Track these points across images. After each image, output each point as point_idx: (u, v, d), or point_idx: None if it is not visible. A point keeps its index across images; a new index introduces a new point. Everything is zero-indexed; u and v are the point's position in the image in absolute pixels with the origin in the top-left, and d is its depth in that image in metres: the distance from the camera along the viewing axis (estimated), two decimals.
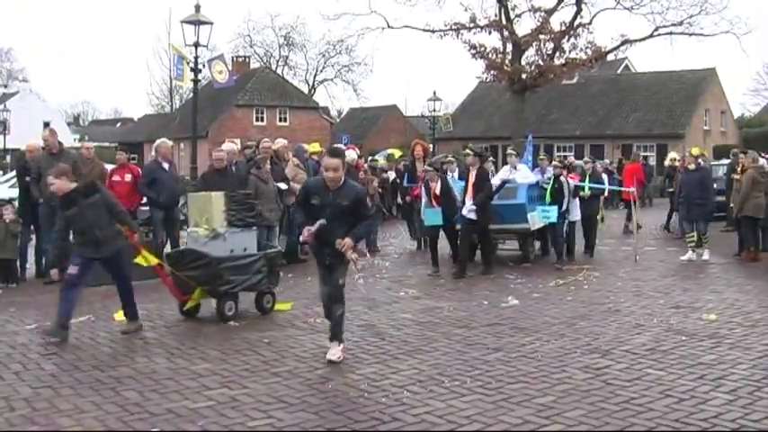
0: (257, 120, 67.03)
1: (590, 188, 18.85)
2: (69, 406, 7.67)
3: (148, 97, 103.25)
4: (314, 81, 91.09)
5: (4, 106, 64.79)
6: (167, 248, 16.11)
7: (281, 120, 68.09)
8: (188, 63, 23.31)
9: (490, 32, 44.57)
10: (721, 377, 8.45)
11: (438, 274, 15.87)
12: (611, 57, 48.35)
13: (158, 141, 16.63)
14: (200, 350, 9.84)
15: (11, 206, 15.09)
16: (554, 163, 17.84)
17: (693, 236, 18.22)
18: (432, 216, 16.49)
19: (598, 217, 23.87)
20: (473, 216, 15.93)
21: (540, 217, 17.28)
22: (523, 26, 51.74)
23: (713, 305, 12.48)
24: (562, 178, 17.16)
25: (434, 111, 51.52)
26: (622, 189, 21.23)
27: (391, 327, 11.13)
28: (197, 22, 22.30)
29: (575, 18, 44.00)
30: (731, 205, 19.73)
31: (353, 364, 9.11)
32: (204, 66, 23.91)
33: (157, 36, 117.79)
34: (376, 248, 19.22)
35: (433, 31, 45.48)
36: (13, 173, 25.67)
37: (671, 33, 44.39)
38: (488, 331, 10.76)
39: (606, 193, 22.38)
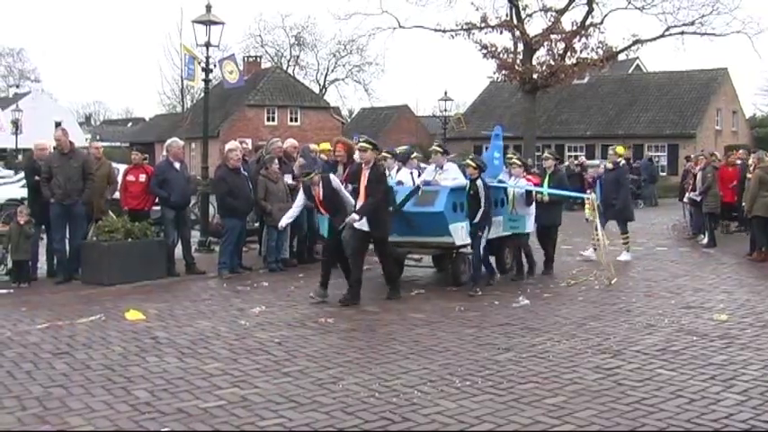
0: (268, 120, 67.03)
1: (549, 193, 16.16)
2: (81, 405, 7.69)
3: (160, 97, 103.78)
4: (325, 81, 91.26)
5: (16, 106, 64.93)
6: (179, 248, 16.15)
7: (292, 120, 68.10)
8: (199, 63, 23.30)
9: (501, 32, 44.57)
10: (732, 378, 8.43)
11: (323, 299, 12.97)
12: (622, 57, 48.33)
13: (169, 141, 16.62)
14: (211, 350, 9.85)
15: (25, 207, 15.13)
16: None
17: (628, 236, 18.51)
18: (324, 226, 14.07)
19: (587, 216, 23.83)
20: (364, 227, 13.02)
21: (507, 227, 15.36)
22: (535, 26, 51.72)
23: (724, 305, 12.45)
24: (479, 182, 13.84)
25: (446, 111, 51.48)
26: (581, 196, 17.56)
27: (402, 327, 11.13)
28: (208, 22, 22.28)
29: (586, 18, 43.94)
30: (743, 205, 19.59)
31: (364, 363, 9.11)
32: (215, 66, 23.88)
33: (169, 36, 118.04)
34: None
35: (444, 31, 45.51)
36: None
37: (682, 33, 44.30)
38: (499, 331, 10.76)
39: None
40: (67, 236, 15.09)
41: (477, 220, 13.81)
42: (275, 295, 13.27)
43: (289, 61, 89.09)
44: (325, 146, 19.07)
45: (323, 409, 7.47)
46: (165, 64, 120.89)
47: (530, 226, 15.79)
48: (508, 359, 9.26)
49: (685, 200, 22.90)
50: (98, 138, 62.32)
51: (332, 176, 13.80)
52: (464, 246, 14.51)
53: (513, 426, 7.00)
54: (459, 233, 14.24)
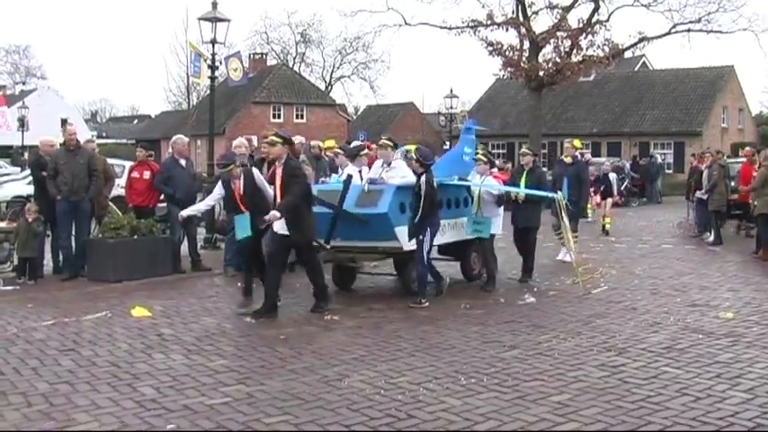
0: (274, 117, 67.11)
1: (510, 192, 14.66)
2: (86, 402, 7.71)
3: (165, 94, 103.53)
4: (331, 78, 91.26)
5: (23, 103, 65.06)
6: (185, 245, 16.16)
7: (298, 117, 68.20)
8: (205, 60, 23.32)
9: (507, 30, 44.58)
10: (738, 376, 8.42)
11: (248, 311, 11.92)
12: (628, 54, 48.36)
13: (174, 138, 16.64)
14: (217, 347, 9.87)
15: (33, 204, 15.16)
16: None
17: (576, 234, 17.56)
18: (240, 225, 12.41)
19: (590, 214, 23.77)
20: (283, 230, 11.78)
21: (471, 230, 14.13)
22: (541, 23, 51.63)
23: (730, 303, 12.44)
24: (423, 179, 12.54)
25: (451, 108, 51.47)
26: (548, 195, 14.94)
27: (408, 324, 11.13)
28: (214, 19, 22.28)
29: (592, 15, 43.93)
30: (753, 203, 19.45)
31: (370, 361, 9.12)
32: (221, 63, 23.91)
33: (174, 33, 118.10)
34: None
35: (450, 29, 45.52)
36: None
37: (689, 31, 44.28)
38: (505, 329, 10.76)
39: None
40: (73, 233, 15.11)
41: (416, 221, 12.55)
42: (280, 292, 13.25)
43: (294, 58, 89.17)
44: (330, 143, 19.06)
45: (328, 407, 7.48)
46: (171, 61, 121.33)
47: (496, 229, 14.35)
48: (514, 357, 9.27)
49: (693, 198, 22.84)
50: (104, 135, 62.32)
51: (255, 171, 12.69)
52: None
53: (518, 423, 7.01)
54: (405, 236, 12.84)
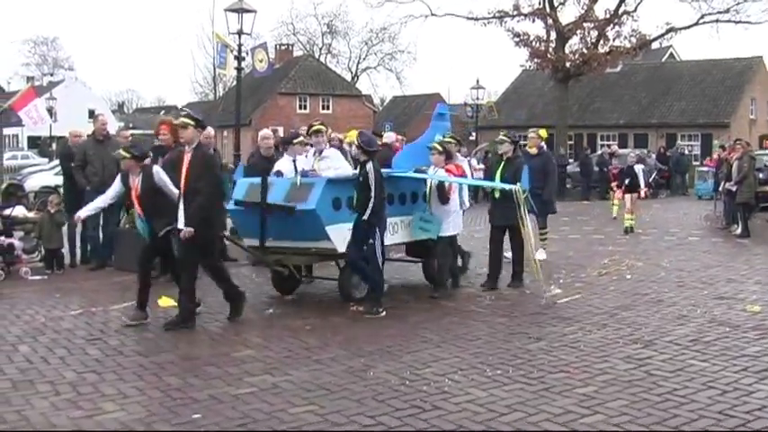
0: (300, 108, 67.22)
1: (464, 183, 13.55)
2: (113, 391, 7.76)
3: (192, 85, 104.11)
4: (357, 69, 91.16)
5: (50, 94, 65.38)
6: None
7: (323, 108, 68.26)
8: (231, 51, 23.41)
9: (534, 20, 44.49)
10: (765, 369, 8.36)
11: (142, 321, 10.66)
12: (655, 45, 48.11)
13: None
14: (243, 337, 9.91)
15: (56, 196, 15.25)
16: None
17: (545, 232, 16.87)
18: (140, 227, 11.08)
19: (615, 211, 22.97)
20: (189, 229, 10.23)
21: (416, 228, 12.75)
22: (567, 14, 51.26)
23: (757, 297, 12.36)
24: (369, 167, 11.17)
25: (477, 99, 51.36)
26: (504, 186, 12.84)
27: (434, 315, 11.13)
28: (240, 11, 22.37)
29: (619, 6, 43.73)
30: None
31: (396, 352, 9.13)
32: (247, 54, 23.99)
33: (201, 24, 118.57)
34: None
35: (476, 19, 45.47)
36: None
37: (717, 21, 43.99)
38: (531, 321, 10.75)
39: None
40: (101, 223, 15.19)
41: (366, 215, 11.12)
42: (305, 283, 13.25)
43: (321, 49, 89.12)
44: (354, 134, 18.99)
45: (354, 397, 7.50)
46: (198, 52, 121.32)
47: (453, 228, 12.92)
48: (539, 348, 9.26)
49: (721, 189, 22.64)
50: (131, 125, 62.54)
51: (156, 170, 10.94)
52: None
53: (543, 415, 7.00)
54: (343, 237, 11.50)
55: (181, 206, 10.33)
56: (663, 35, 45.16)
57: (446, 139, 13.42)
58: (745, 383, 7.87)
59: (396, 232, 12.56)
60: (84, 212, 11.96)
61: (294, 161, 13.01)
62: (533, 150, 16.52)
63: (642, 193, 22.28)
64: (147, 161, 11.04)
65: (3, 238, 14.52)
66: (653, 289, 13.02)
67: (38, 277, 14.14)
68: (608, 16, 43.71)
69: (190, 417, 7.01)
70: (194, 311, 10.63)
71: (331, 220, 11.46)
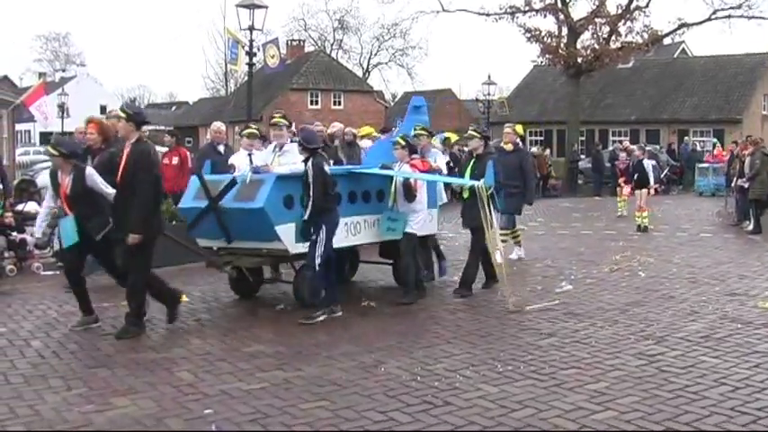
0: (311, 103, 67.18)
1: (423, 180, 12.17)
2: (125, 386, 7.78)
3: (203, 81, 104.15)
4: (368, 65, 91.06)
5: (62, 90, 65.59)
6: None
7: (335, 103, 68.22)
8: (243, 47, 23.44)
9: (545, 16, 44.32)
10: None
11: (90, 325, 10.26)
12: (667, 40, 47.91)
13: (213, 125, 16.79)
14: (254, 332, 9.92)
15: None
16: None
17: (509, 231, 15.81)
18: (65, 229, 10.19)
19: (621, 207, 22.73)
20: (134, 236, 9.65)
21: (384, 228, 12.09)
22: (579, 9, 51.38)
23: None
24: (309, 164, 10.58)
25: (489, 94, 51.31)
26: (468, 182, 12.12)
27: (445, 311, 11.14)
28: (252, 6, 22.39)
29: (631, 1, 43.57)
30: None
31: (407, 347, 9.14)
32: (259, 49, 24.01)
33: (213, 20, 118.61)
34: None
35: (487, 15, 45.42)
36: None
37: (729, 17, 43.79)
38: (542, 316, 10.74)
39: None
40: None
41: (305, 216, 10.56)
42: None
43: (332, 45, 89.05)
44: (368, 130, 18.98)
45: (365, 393, 7.51)
46: (209, 48, 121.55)
47: (425, 228, 12.30)
48: (551, 344, 9.25)
49: (733, 186, 22.57)
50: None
51: (89, 171, 10.13)
52: (304, 253, 10.96)
53: (554, 411, 7.00)
54: (288, 236, 10.87)
55: (118, 205, 9.83)
56: (675, 31, 44.97)
57: (417, 132, 12.83)
58: (756, 380, 7.86)
59: (358, 232, 11.98)
60: (38, 231, 11.69)
61: (250, 155, 12.50)
62: (509, 147, 15.74)
63: (651, 190, 21.98)
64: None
65: (15, 233, 14.58)
66: (665, 285, 13.00)
67: (50, 272, 14.18)
68: (620, 12, 43.58)
69: (201, 412, 7.03)
70: (142, 316, 10.03)
71: (281, 220, 10.77)
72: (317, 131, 16.84)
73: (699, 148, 44.25)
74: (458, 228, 15.43)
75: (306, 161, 10.62)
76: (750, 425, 6.67)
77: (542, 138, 56.55)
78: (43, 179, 26.31)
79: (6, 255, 14.44)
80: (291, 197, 10.90)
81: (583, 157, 44.97)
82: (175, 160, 16.37)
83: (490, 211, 11.50)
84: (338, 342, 9.41)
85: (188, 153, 17.06)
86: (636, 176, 21.61)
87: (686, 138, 47.67)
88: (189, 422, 6.82)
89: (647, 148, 26.95)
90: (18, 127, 39.61)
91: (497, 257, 13.12)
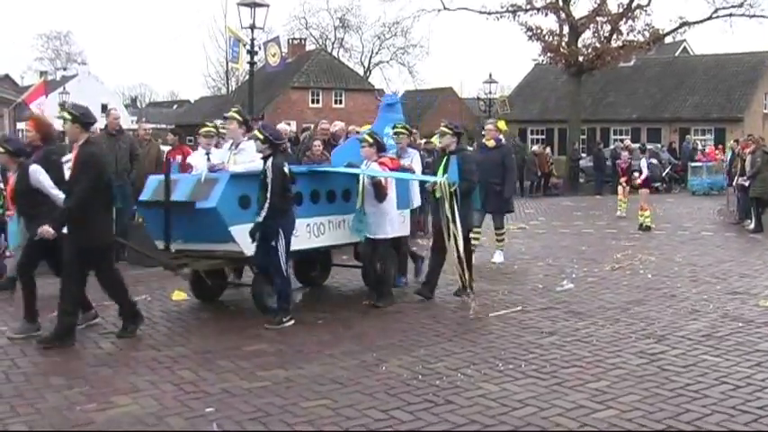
0: (313, 102, 67.24)
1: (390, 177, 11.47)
2: (126, 384, 7.78)
3: (205, 79, 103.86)
4: (369, 63, 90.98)
5: (64, 89, 65.59)
6: None
7: (336, 102, 68.28)
8: (244, 45, 23.46)
9: (547, 14, 44.43)
10: None
11: (32, 334, 9.65)
12: (668, 39, 47.92)
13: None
14: (256, 331, 9.91)
15: None
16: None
17: (502, 232, 15.46)
18: (11, 230, 10.29)
19: (621, 208, 22.71)
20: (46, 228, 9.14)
21: (354, 229, 11.54)
22: (580, 8, 51.50)
23: None
24: (269, 163, 10.08)
25: (490, 93, 51.31)
26: (428, 178, 11.89)
27: (446, 309, 11.13)
28: (253, 5, 22.41)
29: (632, 0, 43.60)
30: None
31: (408, 346, 9.14)
32: (260, 48, 24.02)
33: (214, 18, 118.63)
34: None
35: (489, 13, 45.52)
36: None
37: (731, 15, 43.88)
38: (543, 315, 10.73)
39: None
40: (114, 217, 15.21)
41: (260, 218, 10.01)
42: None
43: (333, 43, 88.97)
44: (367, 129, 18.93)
45: (366, 391, 7.51)
46: (211, 46, 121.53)
47: (387, 231, 11.56)
48: (552, 343, 9.25)
49: (734, 184, 22.55)
50: (144, 119, 62.73)
51: (33, 168, 9.73)
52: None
53: (555, 410, 7.00)
54: (243, 237, 10.27)
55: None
56: (676, 29, 45.05)
57: (397, 130, 12.47)
58: (758, 379, 7.86)
59: (322, 233, 11.47)
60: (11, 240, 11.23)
61: (208, 154, 11.85)
62: (491, 143, 15.14)
63: (637, 182, 21.62)
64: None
65: None
66: (666, 284, 12.99)
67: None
68: (621, 10, 43.67)
69: (203, 410, 7.03)
70: (74, 326, 9.44)
71: (236, 220, 10.27)
72: (321, 130, 16.86)
73: (700, 147, 44.23)
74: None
75: (266, 159, 10.13)
76: (751, 423, 6.67)
77: (544, 136, 56.58)
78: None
79: (8, 253, 14.43)
80: (248, 197, 10.41)
81: (584, 155, 44.97)
82: (179, 158, 16.35)
83: (453, 209, 11.06)
84: (340, 341, 9.41)
85: (191, 151, 17.03)
86: (634, 174, 21.68)
87: (688, 136, 47.68)
88: (190, 421, 6.81)
89: (649, 147, 26.99)
90: (20, 125, 39.61)
91: (495, 258, 13.71)
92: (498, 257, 15.18)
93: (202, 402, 7.23)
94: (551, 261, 15.32)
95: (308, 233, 11.21)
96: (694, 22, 44.63)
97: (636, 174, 21.75)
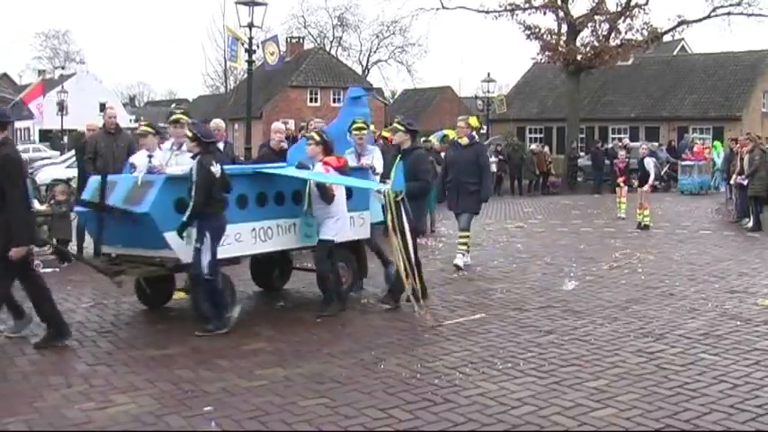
0: (311, 100, 67.23)
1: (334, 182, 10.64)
2: (125, 383, 7.78)
3: (203, 78, 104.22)
4: (368, 62, 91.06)
5: (62, 88, 65.60)
6: None
7: (334, 101, 68.18)
8: (242, 44, 23.47)
9: (545, 13, 44.38)
10: None
11: (17, 334, 9.61)
12: (667, 38, 47.87)
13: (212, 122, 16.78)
14: (254, 329, 9.91)
15: (63, 186, 15.28)
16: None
17: (467, 235, 14.61)
18: None
19: (622, 209, 22.68)
20: None
21: (302, 234, 11.06)
22: (579, 7, 51.48)
23: None
24: (195, 163, 9.62)
25: (488, 92, 51.37)
26: (372, 185, 11.32)
27: (444, 308, 11.13)
28: (251, 3, 22.42)
29: None
30: None
31: (406, 345, 9.14)
32: (258, 47, 24.02)
33: (212, 17, 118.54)
34: (431, 230, 18.98)
35: (487, 12, 45.48)
36: (71, 153, 26.02)
37: (729, 14, 43.87)
38: (541, 314, 10.73)
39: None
40: None
41: (184, 219, 9.52)
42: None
43: (331, 42, 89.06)
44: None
45: (365, 390, 7.51)
46: (209, 45, 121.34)
47: (331, 234, 10.80)
48: (550, 342, 9.25)
49: (732, 182, 22.54)
50: (142, 119, 62.79)
51: None
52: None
53: (554, 408, 7.00)
54: (178, 243, 9.76)
55: None
56: (674, 28, 45.00)
57: (358, 125, 11.91)
58: (756, 377, 7.86)
59: (269, 238, 10.79)
60: None
61: (150, 156, 11.19)
62: (464, 141, 14.49)
63: (647, 187, 21.65)
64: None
65: None
66: (664, 282, 12.99)
67: (50, 270, 14.14)
68: (619, 9, 43.64)
69: (201, 409, 7.03)
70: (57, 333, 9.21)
71: (171, 225, 9.66)
72: (315, 128, 16.76)
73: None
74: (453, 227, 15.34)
75: (195, 157, 9.67)
76: (749, 422, 6.68)
77: (542, 135, 56.56)
78: (43, 176, 26.39)
79: None
80: (185, 201, 9.70)
81: (582, 154, 44.97)
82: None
83: (399, 219, 10.47)
84: (338, 339, 9.41)
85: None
86: (640, 174, 21.49)
87: (686, 134, 47.67)
88: (189, 419, 6.81)
89: (647, 145, 26.86)
90: (18, 125, 39.64)
91: (457, 261, 13.71)
92: (460, 260, 14.28)
93: (201, 401, 7.23)
94: (549, 260, 15.32)
95: (254, 238, 10.60)
96: (693, 21, 44.62)
97: (648, 178, 21.19)
